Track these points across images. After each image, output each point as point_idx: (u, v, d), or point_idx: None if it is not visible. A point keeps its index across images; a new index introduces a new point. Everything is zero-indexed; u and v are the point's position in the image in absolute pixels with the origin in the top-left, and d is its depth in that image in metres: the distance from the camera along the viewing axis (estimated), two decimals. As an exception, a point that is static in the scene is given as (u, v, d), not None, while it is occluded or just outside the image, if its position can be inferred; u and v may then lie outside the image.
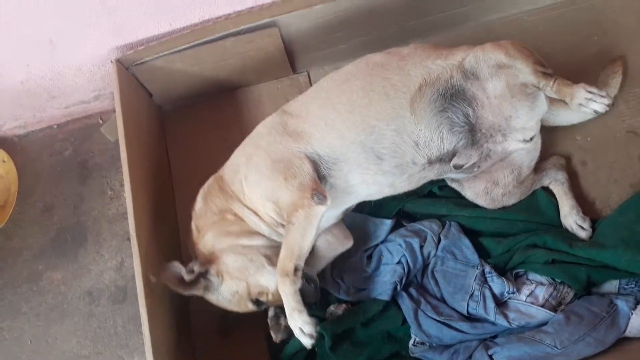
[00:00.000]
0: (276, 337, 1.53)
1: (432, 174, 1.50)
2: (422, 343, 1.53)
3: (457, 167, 1.48)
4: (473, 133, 1.45)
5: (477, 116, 1.44)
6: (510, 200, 1.60)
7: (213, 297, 1.48)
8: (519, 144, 1.49)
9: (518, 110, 1.45)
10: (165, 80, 1.84)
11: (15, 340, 1.80)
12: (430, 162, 1.45)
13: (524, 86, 1.42)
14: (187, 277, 1.42)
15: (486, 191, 1.57)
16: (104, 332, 1.77)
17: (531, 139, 1.50)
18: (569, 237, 1.54)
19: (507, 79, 1.41)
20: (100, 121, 2.05)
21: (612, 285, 1.49)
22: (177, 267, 1.42)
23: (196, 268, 1.42)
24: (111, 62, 1.70)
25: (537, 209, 1.61)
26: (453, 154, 1.45)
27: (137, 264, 1.44)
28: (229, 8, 1.69)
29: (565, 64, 1.79)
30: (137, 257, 1.45)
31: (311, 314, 1.50)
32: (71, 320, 1.80)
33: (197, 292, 1.45)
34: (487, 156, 1.50)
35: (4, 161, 2.00)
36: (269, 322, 1.54)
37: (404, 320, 1.53)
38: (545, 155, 1.68)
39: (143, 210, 1.56)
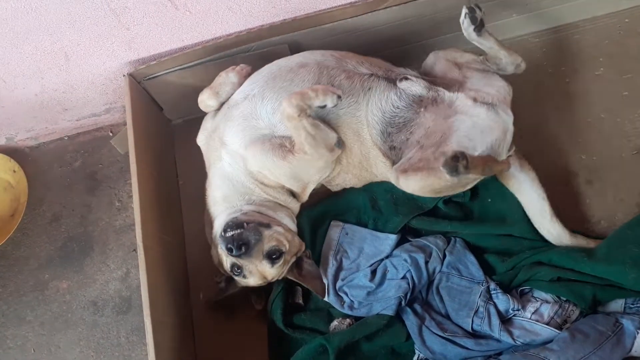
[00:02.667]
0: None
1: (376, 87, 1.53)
2: (426, 359, 1.52)
3: (404, 80, 1.52)
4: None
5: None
6: (417, 175, 1.45)
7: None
8: (468, 101, 1.48)
9: (469, 77, 1.55)
10: (176, 95, 1.88)
11: (19, 349, 1.80)
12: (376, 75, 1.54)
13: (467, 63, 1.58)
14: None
15: (410, 157, 1.50)
16: (107, 342, 1.76)
17: (485, 103, 1.47)
18: (575, 252, 1.52)
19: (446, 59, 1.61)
20: (110, 134, 2.09)
21: (617, 305, 1.49)
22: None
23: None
24: (123, 75, 1.74)
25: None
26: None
27: (143, 274, 1.45)
28: (240, 26, 1.73)
29: (570, 85, 1.82)
30: (144, 267, 1.46)
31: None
32: (75, 330, 1.80)
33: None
34: (434, 101, 1.51)
35: (14, 171, 2.03)
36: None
37: (408, 336, 1.53)
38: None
39: (150, 221, 1.57)
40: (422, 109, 1.51)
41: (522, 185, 1.61)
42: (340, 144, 1.51)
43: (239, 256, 1.42)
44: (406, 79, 1.53)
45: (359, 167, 1.60)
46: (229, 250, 1.41)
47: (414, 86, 1.52)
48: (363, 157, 1.58)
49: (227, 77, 1.59)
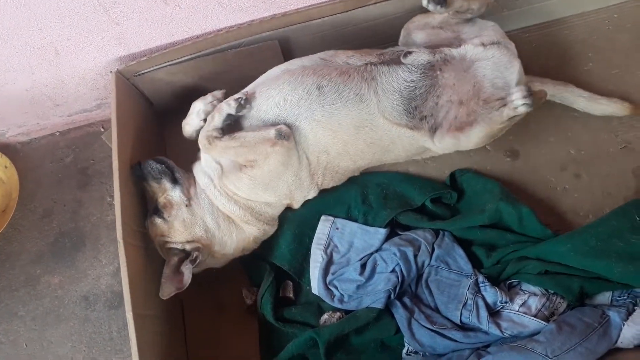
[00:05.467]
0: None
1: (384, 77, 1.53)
2: (416, 352, 1.53)
3: (407, 55, 1.53)
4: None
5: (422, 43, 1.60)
6: (474, 128, 1.51)
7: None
8: (478, 48, 1.52)
9: (460, 31, 1.58)
10: (166, 91, 1.88)
11: (11, 344, 1.80)
12: (371, 64, 1.54)
13: (445, 21, 1.60)
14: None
15: (455, 116, 1.54)
16: (99, 337, 1.77)
17: (492, 44, 1.53)
18: (562, 247, 1.52)
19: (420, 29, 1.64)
20: (102, 129, 2.09)
21: (605, 297, 1.50)
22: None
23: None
24: (111, 72, 1.73)
25: (519, 224, 1.60)
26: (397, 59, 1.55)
27: (124, 270, 1.44)
28: (230, 21, 1.73)
29: (558, 79, 1.83)
30: (124, 263, 1.44)
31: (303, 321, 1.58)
32: (67, 325, 1.80)
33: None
34: (445, 60, 1.53)
35: (6, 167, 2.02)
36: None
37: (398, 329, 1.54)
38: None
39: (133, 217, 1.56)
40: (438, 72, 1.53)
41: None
42: (283, 135, 1.48)
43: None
44: (409, 52, 1.54)
45: (362, 152, 1.60)
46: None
47: (420, 56, 1.54)
48: (369, 144, 1.58)
49: (193, 108, 1.61)
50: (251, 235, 1.61)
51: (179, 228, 1.54)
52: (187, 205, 1.55)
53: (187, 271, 1.50)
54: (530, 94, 1.42)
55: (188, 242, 1.54)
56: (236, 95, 1.51)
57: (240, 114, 1.51)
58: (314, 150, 1.55)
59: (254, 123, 1.54)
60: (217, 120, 1.51)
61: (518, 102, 1.43)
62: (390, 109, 1.52)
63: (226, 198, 1.56)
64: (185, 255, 1.53)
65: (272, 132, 1.48)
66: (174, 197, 1.56)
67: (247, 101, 1.50)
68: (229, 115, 1.50)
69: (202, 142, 1.52)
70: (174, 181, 1.57)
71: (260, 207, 1.59)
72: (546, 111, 1.80)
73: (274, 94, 1.51)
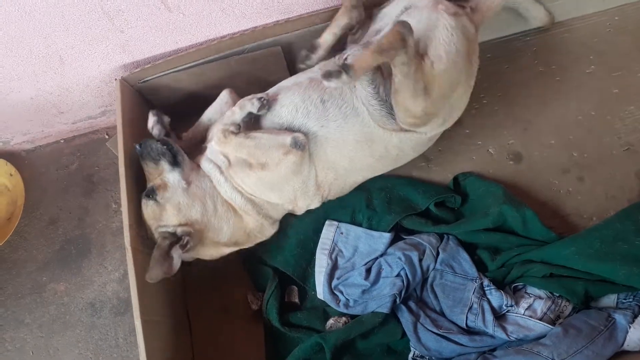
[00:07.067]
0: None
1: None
2: (422, 356, 1.53)
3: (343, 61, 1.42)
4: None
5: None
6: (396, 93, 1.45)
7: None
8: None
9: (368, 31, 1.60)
10: (171, 97, 1.88)
11: (17, 351, 1.80)
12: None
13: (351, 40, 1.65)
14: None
15: None
16: (105, 343, 1.77)
17: (401, 13, 1.54)
18: (567, 249, 1.53)
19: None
20: (107, 136, 2.10)
21: (610, 300, 1.50)
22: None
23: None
24: (115, 79, 1.74)
25: (523, 227, 1.60)
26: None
27: (132, 277, 1.45)
28: (233, 27, 1.74)
29: (560, 83, 1.84)
30: (132, 269, 1.45)
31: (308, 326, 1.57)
32: (73, 332, 1.81)
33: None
34: (378, 31, 1.55)
35: (11, 175, 2.03)
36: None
37: (404, 333, 1.54)
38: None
39: (141, 223, 1.55)
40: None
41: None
42: (298, 144, 1.48)
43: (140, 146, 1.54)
44: (345, 61, 1.38)
45: (371, 166, 1.62)
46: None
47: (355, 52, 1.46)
48: (378, 159, 1.59)
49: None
50: (247, 226, 1.58)
51: (171, 211, 1.51)
52: (184, 188, 1.52)
53: (177, 256, 1.47)
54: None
55: (180, 225, 1.51)
56: (259, 95, 1.53)
57: (259, 113, 1.53)
58: (323, 166, 1.56)
59: (269, 125, 1.55)
60: (238, 115, 1.52)
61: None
62: (379, 115, 1.52)
63: (230, 186, 1.54)
64: (176, 239, 1.50)
65: (288, 139, 1.48)
66: (170, 179, 1.52)
67: (268, 102, 1.52)
68: (250, 113, 1.52)
69: (217, 135, 1.50)
70: (174, 163, 1.53)
71: (262, 203, 1.58)
72: (547, 114, 1.81)
73: (287, 102, 1.53)
